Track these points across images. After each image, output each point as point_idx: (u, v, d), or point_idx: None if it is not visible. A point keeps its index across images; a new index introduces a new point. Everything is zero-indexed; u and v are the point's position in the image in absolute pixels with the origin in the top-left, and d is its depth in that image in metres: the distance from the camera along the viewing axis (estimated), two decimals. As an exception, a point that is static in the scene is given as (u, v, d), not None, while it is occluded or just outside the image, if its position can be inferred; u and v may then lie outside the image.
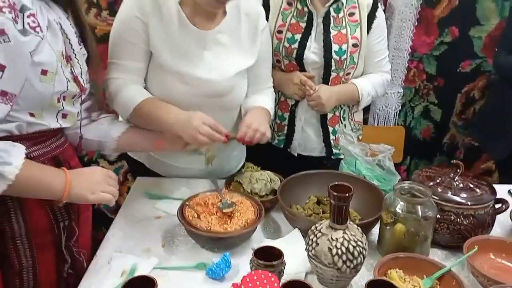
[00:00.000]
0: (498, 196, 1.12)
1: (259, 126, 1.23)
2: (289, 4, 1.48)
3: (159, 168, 1.43)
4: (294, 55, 1.47)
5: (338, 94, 1.50)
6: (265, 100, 1.38)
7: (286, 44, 1.47)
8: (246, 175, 1.31)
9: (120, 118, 1.26)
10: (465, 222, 1.07)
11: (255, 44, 1.33)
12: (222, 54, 1.27)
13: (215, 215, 1.13)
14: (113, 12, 1.85)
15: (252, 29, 1.32)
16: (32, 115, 0.91)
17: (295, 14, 1.48)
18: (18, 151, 0.86)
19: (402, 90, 2.01)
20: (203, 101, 1.25)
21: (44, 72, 0.88)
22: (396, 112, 2.04)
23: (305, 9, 1.46)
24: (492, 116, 1.81)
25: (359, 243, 0.92)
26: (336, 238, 0.91)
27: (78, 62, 0.99)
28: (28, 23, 0.83)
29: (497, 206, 1.13)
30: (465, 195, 1.09)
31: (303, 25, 1.47)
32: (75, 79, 0.97)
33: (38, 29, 0.85)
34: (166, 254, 1.09)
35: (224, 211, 1.12)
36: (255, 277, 0.83)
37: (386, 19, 1.73)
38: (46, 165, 0.96)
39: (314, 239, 0.94)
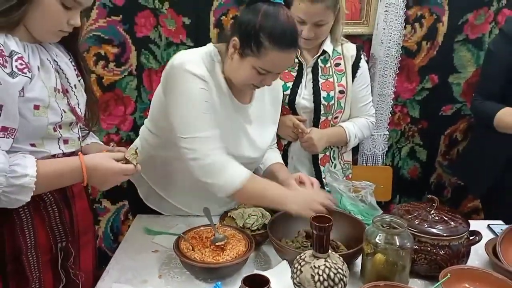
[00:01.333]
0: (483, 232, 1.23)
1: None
2: None
3: (157, 205, 1.51)
4: (286, 101, 1.60)
5: (328, 136, 1.63)
6: (278, 156, 1.56)
7: None
8: (239, 211, 1.40)
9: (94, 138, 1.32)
10: (441, 253, 1.15)
11: (277, 112, 1.49)
12: (258, 126, 1.39)
13: (209, 247, 1.21)
14: (119, 64, 2.01)
15: (275, 99, 1.47)
16: (33, 145, 1.02)
17: None
18: (30, 161, 0.96)
19: (388, 132, 2.13)
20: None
21: (36, 107, 0.99)
22: (384, 153, 2.15)
23: (296, 60, 1.62)
24: (473, 156, 1.91)
25: (339, 270, 0.99)
26: (318, 265, 0.99)
27: (74, 94, 1.10)
28: (16, 66, 0.94)
29: (471, 238, 1.21)
30: (440, 227, 1.17)
31: (294, 74, 1.62)
32: (72, 110, 1.09)
33: (25, 70, 0.96)
34: (162, 285, 1.15)
35: (217, 244, 1.20)
36: (243, 301, 0.90)
37: (369, 68, 1.90)
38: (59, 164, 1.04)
39: (299, 267, 1.01)
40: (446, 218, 1.20)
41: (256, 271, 1.18)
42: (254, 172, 1.55)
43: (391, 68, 2.02)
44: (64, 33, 1.05)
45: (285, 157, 1.67)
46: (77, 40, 1.13)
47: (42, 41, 1.05)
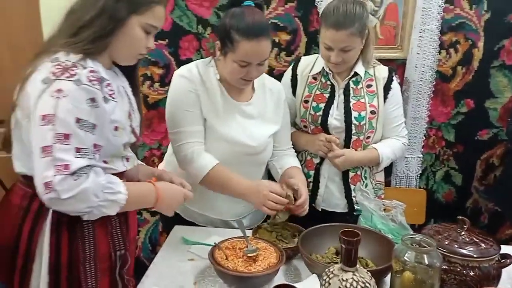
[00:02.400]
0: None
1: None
2: (314, 78, 1.72)
3: (193, 217, 1.62)
4: (319, 121, 1.67)
5: (359, 162, 1.69)
6: (296, 161, 1.67)
7: (312, 112, 1.68)
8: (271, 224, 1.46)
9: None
10: (471, 274, 1.15)
11: (279, 114, 1.60)
12: (253, 121, 1.53)
13: (242, 258, 1.27)
14: (163, 84, 2.15)
15: (276, 102, 1.59)
16: (105, 162, 1.12)
17: (319, 86, 1.70)
18: (118, 180, 1.08)
19: (421, 155, 2.13)
20: (241, 158, 1.50)
21: (116, 128, 1.10)
22: (417, 176, 2.14)
23: (328, 82, 1.69)
24: (509, 182, 1.88)
25: (367, 284, 1.02)
26: (346, 279, 1.02)
27: (134, 115, 1.21)
28: (107, 92, 1.06)
29: (503, 260, 1.21)
30: (470, 248, 1.17)
31: (327, 95, 1.68)
32: (133, 131, 1.19)
33: (114, 95, 1.08)
34: (197, 291, 1.23)
35: (249, 255, 1.26)
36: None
37: (403, 91, 1.93)
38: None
39: (327, 279, 1.05)
40: (476, 240, 1.20)
41: (286, 283, 1.23)
42: (270, 177, 1.67)
43: (425, 92, 2.04)
44: (142, 56, 1.16)
45: (317, 175, 1.72)
46: (138, 64, 1.24)
47: (122, 65, 1.17)
